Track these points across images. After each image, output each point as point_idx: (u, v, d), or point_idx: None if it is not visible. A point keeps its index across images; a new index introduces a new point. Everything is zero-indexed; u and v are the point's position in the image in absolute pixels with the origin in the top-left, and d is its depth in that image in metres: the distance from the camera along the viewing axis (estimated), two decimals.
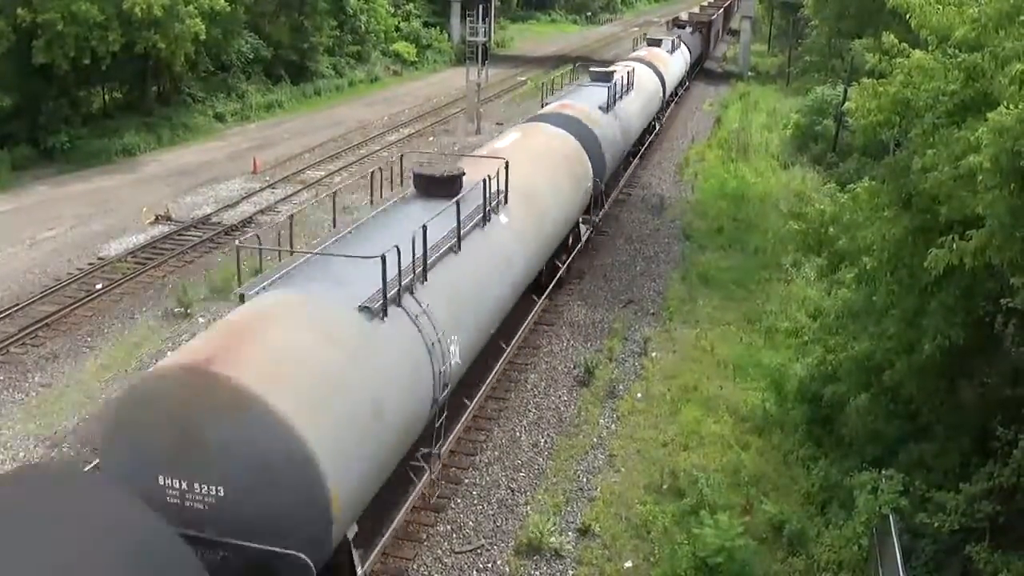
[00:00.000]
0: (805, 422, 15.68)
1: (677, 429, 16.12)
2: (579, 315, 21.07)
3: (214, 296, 21.50)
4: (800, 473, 14.61)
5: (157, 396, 9.48)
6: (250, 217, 27.50)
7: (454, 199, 14.27)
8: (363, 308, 11.23)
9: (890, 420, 13.59)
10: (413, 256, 12.18)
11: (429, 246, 12.62)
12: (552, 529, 13.23)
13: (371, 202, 15.65)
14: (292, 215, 14.22)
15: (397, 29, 60.01)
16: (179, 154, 35.73)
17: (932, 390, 12.62)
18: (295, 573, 8.99)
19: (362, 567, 10.59)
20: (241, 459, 9.11)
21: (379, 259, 11.19)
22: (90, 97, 37.09)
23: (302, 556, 8.99)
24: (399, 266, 11.60)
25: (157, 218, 27.05)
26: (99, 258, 23.92)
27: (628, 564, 12.80)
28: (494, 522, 13.61)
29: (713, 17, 64.02)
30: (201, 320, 20.27)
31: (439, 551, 12.91)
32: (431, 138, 39.70)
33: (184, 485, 9.32)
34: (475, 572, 12.60)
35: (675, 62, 43.81)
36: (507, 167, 16.00)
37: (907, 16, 12.11)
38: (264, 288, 11.55)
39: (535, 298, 19.38)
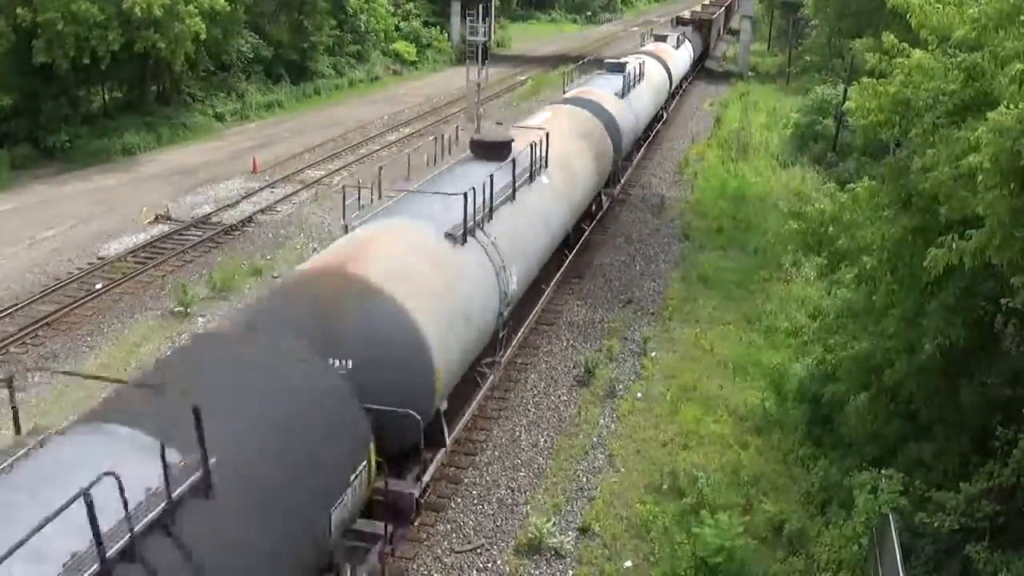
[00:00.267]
0: (805, 422, 15.70)
1: (677, 429, 16.13)
2: (579, 315, 21.07)
3: (214, 296, 21.52)
4: (800, 473, 14.62)
5: (300, 291, 11.97)
6: (250, 216, 27.49)
7: (507, 160, 16.70)
8: (448, 235, 13.80)
9: (890, 420, 13.59)
10: (481, 200, 14.61)
11: (481, 198, 14.73)
12: (552, 529, 13.23)
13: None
14: (381, 167, 17.39)
15: (397, 29, 59.99)
16: (179, 154, 35.73)
17: (932, 390, 12.61)
18: (408, 427, 11.19)
19: (449, 434, 13.29)
20: (368, 339, 11.28)
21: (462, 196, 13.74)
22: (90, 96, 37.10)
23: (414, 414, 11.16)
24: (472, 206, 14.02)
25: (157, 218, 27.05)
26: (99, 258, 23.92)
27: (628, 564, 12.81)
28: (494, 522, 13.62)
29: (714, 16, 64.35)
30: (201, 320, 20.28)
31: (439, 550, 12.92)
32: (432, 138, 39.65)
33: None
34: (475, 572, 12.61)
35: (680, 57, 45.85)
36: (547, 137, 18.50)
37: (907, 16, 12.10)
38: (366, 221, 14.25)
39: (566, 253, 21.99)
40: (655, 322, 20.83)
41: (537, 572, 12.64)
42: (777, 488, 14.32)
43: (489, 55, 43.70)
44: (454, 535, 13.29)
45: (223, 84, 42.86)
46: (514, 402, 17.01)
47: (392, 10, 58.80)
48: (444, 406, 12.86)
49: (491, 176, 14.94)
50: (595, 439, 15.95)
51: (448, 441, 13.27)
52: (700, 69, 57.93)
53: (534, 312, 18.91)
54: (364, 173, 33.22)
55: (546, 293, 20.06)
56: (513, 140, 17.78)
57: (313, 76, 49.22)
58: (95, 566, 6.28)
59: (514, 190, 16.45)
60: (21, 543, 5.63)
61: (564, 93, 27.90)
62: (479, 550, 12.99)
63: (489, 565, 12.72)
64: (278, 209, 28.62)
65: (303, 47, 48.10)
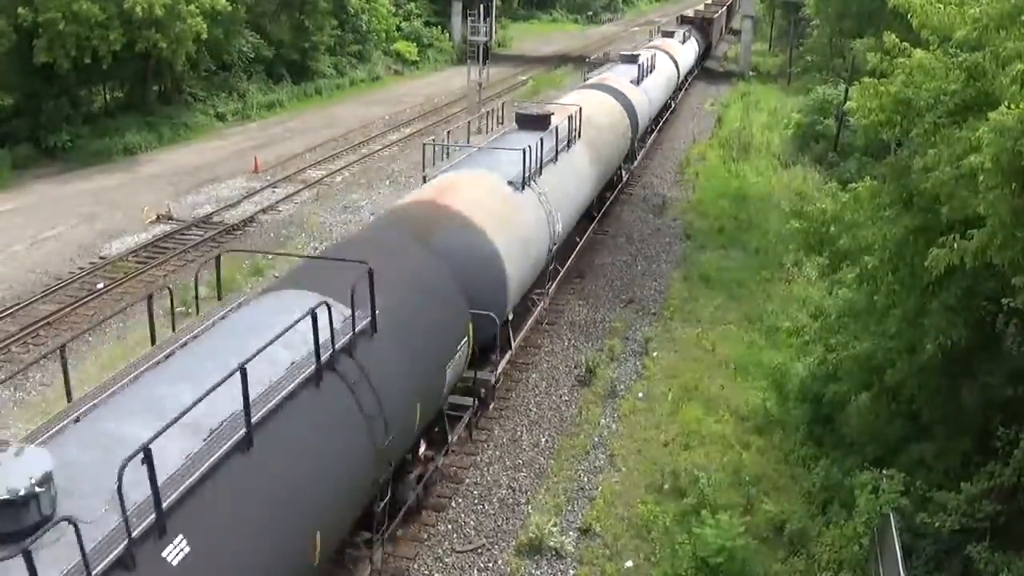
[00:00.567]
0: (806, 421, 15.69)
1: (678, 429, 16.12)
2: (580, 315, 21.07)
3: (215, 296, 21.48)
4: (801, 473, 14.62)
5: (401, 216, 15.02)
6: (251, 216, 27.51)
7: (548, 130, 19.42)
8: (510, 183, 16.90)
9: (891, 420, 13.59)
10: (532, 159, 17.30)
11: (534, 156, 17.47)
12: (553, 529, 13.23)
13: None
14: (448, 130, 21.57)
15: (398, 28, 60.01)
16: (180, 153, 35.75)
17: (933, 390, 12.61)
18: (487, 326, 14.24)
19: (514, 340, 16.66)
20: (456, 252, 13.85)
21: (521, 151, 16.88)
22: (91, 96, 37.14)
23: (492, 314, 14.29)
24: (527, 161, 16.96)
25: (158, 217, 27.07)
26: (100, 257, 23.94)
27: (629, 564, 12.81)
28: (495, 521, 13.62)
29: (716, 15, 65.21)
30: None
31: (440, 550, 12.92)
32: (432, 138, 39.65)
33: None
34: (476, 572, 12.61)
35: (686, 52, 49.09)
36: (580, 112, 21.47)
37: (908, 16, 12.09)
38: (443, 171, 17.46)
39: (594, 214, 25.32)
40: (656, 322, 20.82)
41: (538, 572, 12.63)
42: (778, 488, 14.32)
43: (490, 55, 43.71)
44: (455, 535, 13.29)
45: (224, 84, 42.87)
46: (515, 402, 17.01)
47: (393, 10, 58.80)
48: (510, 316, 16.11)
49: (540, 139, 18.13)
50: (596, 439, 15.95)
51: (514, 345, 16.66)
52: (702, 69, 58.28)
53: (571, 257, 22.26)
54: (365, 173, 33.28)
55: (580, 244, 23.37)
56: (552, 113, 20.66)
57: (314, 76, 49.24)
58: (311, 367, 9.27)
59: (556, 153, 19.44)
60: (261, 350, 8.41)
61: (584, 80, 31.39)
62: (480, 550, 13.00)
63: (490, 565, 12.72)
64: (279, 209, 28.64)
65: (304, 47, 48.11)
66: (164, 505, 6.90)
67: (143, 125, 36.75)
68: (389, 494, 11.27)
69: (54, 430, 7.82)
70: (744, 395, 17.20)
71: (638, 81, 31.97)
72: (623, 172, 29.05)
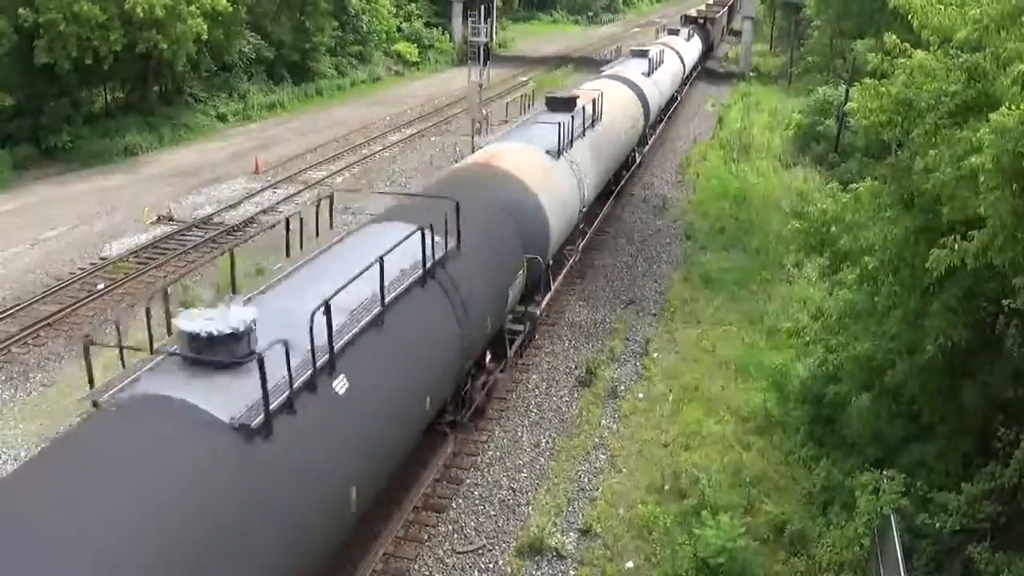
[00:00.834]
0: (807, 422, 15.68)
1: (679, 429, 16.12)
2: (581, 315, 21.07)
3: (216, 296, 21.48)
4: (802, 473, 14.61)
5: (459, 176, 17.75)
6: (252, 217, 27.51)
7: (575, 110, 21.79)
8: (548, 152, 19.35)
9: (892, 421, 13.58)
10: (564, 132, 19.89)
11: (565, 131, 19.97)
12: (553, 529, 13.23)
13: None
14: (488, 114, 25.19)
15: (399, 29, 60.03)
16: (181, 154, 35.76)
17: (934, 391, 12.60)
18: (534, 266, 16.84)
19: (553, 283, 20.05)
20: (511, 204, 16.40)
21: (556, 125, 19.77)
22: (92, 97, 37.11)
23: (538, 257, 17.00)
24: (561, 134, 19.62)
25: (159, 218, 27.07)
26: (101, 258, 23.94)
27: (629, 564, 12.81)
28: (495, 522, 13.62)
29: (718, 15, 66.00)
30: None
31: (440, 551, 12.92)
32: (434, 138, 39.70)
33: None
34: (476, 572, 12.61)
35: (691, 48, 51.35)
36: (602, 96, 24.11)
37: (909, 16, 12.08)
38: (490, 142, 20.50)
39: (612, 189, 28.24)
40: (657, 322, 20.83)
41: (538, 573, 12.63)
42: (779, 489, 14.31)
43: (491, 56, 43.68)
44: (456, 536, 13.29)
45: (225, 84, 42.89)
46: (516, 402, 17.01)
47: (394, 11, 58.82)
48: (550, 262, 18.89)
49: (572, 117, 20.86)
50: (597, 440, 15.95)
51: (553, 287, 20.00)
52: (703, 69, 58.56)
53: (595, 222, 25.63)
54: (366, 174, 33.28)
55: (603, 210, 26.78)
56: (578, 97, 23.30)
57: (315, 76, 49.25)
58: (419, 272, 11.98)
59: (584, 130, 22.04)
60: (392, 248, 11.19)
61: (600, 72, 34.59)
62: (480, 551, 12.99)
63: (491, 566, 12.72)
64: (280, 210, 28.60)
65: (305, 47, 48.12)
66: (335, 348, 9.42)
67: (144, 126, 36.76)
68: (468, 384, 14.51)
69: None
70: (745, 396, 17.19)
71: (649, 73, 34.60)
72: (636, 155, 31.77)
